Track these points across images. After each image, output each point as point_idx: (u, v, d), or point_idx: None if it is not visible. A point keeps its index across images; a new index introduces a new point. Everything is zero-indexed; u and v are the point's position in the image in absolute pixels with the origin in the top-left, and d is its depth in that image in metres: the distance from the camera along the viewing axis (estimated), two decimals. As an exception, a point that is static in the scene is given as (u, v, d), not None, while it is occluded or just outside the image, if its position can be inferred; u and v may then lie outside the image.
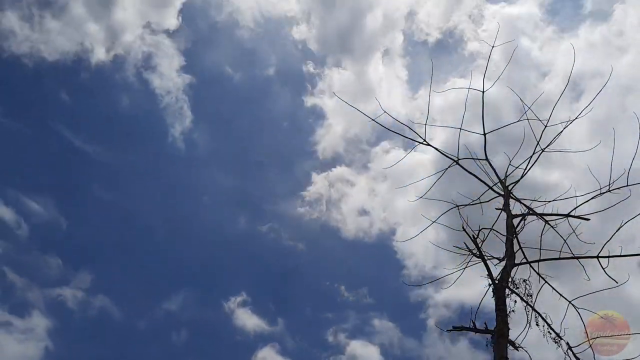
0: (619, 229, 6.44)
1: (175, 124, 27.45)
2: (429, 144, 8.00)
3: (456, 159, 8.00)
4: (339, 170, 27.28)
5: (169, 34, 28.59)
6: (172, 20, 28.24)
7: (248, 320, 23.60)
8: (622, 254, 6.45)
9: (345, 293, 25.43)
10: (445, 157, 8.07)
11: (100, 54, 27.06)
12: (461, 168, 8.01)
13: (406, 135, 8.12)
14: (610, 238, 6.45)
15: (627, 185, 6.99)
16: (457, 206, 7.85)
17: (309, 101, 30.08)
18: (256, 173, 29.27)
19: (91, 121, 27.71)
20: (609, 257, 6.49)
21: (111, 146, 27.78)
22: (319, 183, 27.05)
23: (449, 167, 8.08)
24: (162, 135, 27.46)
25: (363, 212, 25.88)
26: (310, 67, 30.35)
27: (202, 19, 30.34)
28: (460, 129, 7.91)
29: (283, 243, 27.56)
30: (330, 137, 28.44)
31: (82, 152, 27.08)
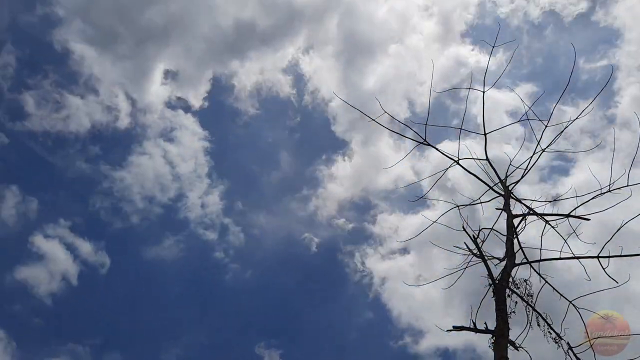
0: (619, 229, 6.44)
1: (193, 189, 29.31)
2: (429, 144, 8.02)
3: (456, 159, 8.03)
4: (341, 224, 29.03)
5: (190, 110, 30.92)
6: (193, 100, 30.42)
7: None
8: (622, 254, 6.45)
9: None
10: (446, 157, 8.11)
11: (121, 125, 28.55)
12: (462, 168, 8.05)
13: (407, 136, 8.19)
14: (611, 238, 6.46)
15: (627, 185, 6.99)
16: (457, 206, 7.87)
17: (316, 164, 31.94)
18: (265, 230, 31.04)
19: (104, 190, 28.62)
20: (609, 257, 6.48)
21: (129, 209, 28.71)
22: (320, 242, 28.73)
23: (449, 167, 8.12)
24: (180, 200, 29.08)
25: (360, 271, 27.53)
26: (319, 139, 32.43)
27: (225, 98, 32.40)
28: (461, 129, 7.96)
29: (289, 294, 29.06)
30: (333, 200, 30.39)
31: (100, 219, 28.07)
